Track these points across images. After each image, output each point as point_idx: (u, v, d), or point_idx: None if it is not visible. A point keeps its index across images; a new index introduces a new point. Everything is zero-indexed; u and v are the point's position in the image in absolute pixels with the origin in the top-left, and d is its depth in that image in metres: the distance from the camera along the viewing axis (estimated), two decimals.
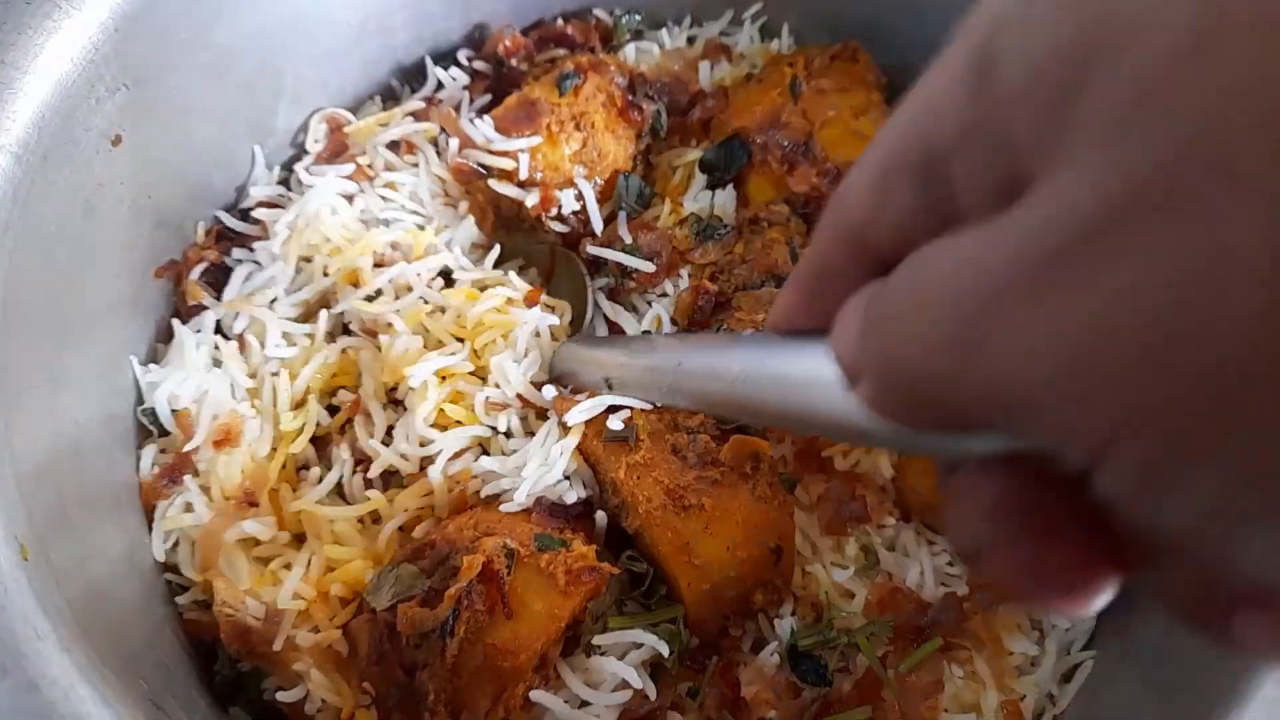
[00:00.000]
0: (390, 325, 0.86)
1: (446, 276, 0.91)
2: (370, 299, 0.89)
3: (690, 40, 1.13)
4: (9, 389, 0.66)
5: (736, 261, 0.91)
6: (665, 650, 0.77)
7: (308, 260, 0.92)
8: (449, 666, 0.72)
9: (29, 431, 0.67)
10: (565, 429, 0.83)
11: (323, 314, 0.91)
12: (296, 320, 0.91)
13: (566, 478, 0.82)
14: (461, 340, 0.87)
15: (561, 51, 1.05)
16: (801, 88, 0.98)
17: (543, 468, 0.81)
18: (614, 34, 1.10)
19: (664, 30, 1.13)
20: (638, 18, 1.11)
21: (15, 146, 0.70)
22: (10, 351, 0.67)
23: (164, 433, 0.86)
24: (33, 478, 0.66)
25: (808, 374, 0.42)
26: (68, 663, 0.55)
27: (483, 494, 0.82)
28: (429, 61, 1.06)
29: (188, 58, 0.86)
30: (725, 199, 0.98)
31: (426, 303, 0.89)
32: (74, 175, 0.76)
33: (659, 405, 0.82)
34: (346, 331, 0.91)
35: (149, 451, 0.84)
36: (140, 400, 0.86)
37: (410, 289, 0.89)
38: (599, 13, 1.12)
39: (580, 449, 0.82)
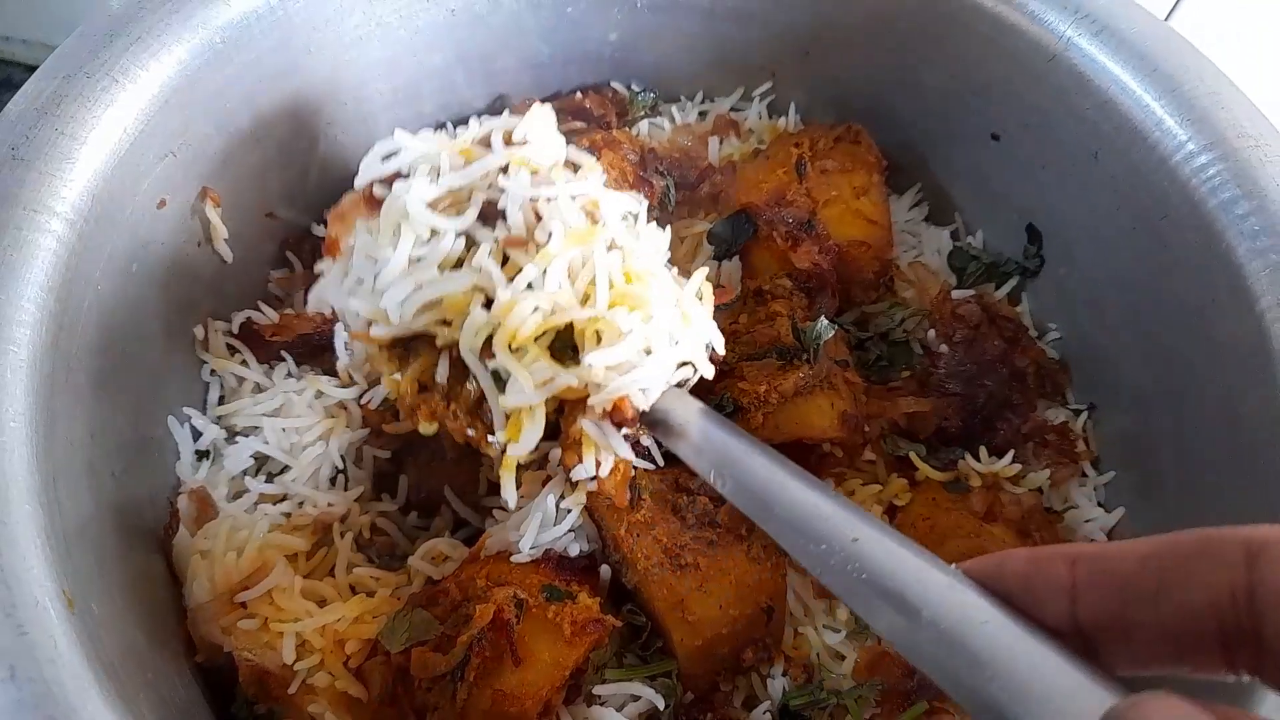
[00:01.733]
0: (547, 235, 0.71)
1: None
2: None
3: (702, 115, 1.19)
4: (55, 444, 0.70)
5: (741, 332, 0.95)
6: (661, 704, 0.81)
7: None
8: (458, 711, 0.76)
9: (71, 485, 0.71)
10: (572, 485, 0.87)
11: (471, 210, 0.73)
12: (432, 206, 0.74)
13: (571, 531, 0.86)
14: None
15: (579, 124, 1.11)
16: (806, 168, 1.03)
17: (544, 522, 0.84)
18: (629, 108, 1.15)
19: (676, 106, 1.18)
20: (652, 94, 1.17)
21: (70, 213, 0.75)
22: (57, 408, 0.71)
23: None
24: (75, 530, 0.69)
25: (1033, 677, 0.40)
26: (112, 717, 0.59)
27: (491, 549, 0.86)
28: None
29: (229, 124, 0.92)
30: (731, 270, 1.03)
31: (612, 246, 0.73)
32: (121, 238, 0.81)
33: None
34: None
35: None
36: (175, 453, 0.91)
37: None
38: (616, 85, 1.18)
39: (586, 505, 0.86)
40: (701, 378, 0.90)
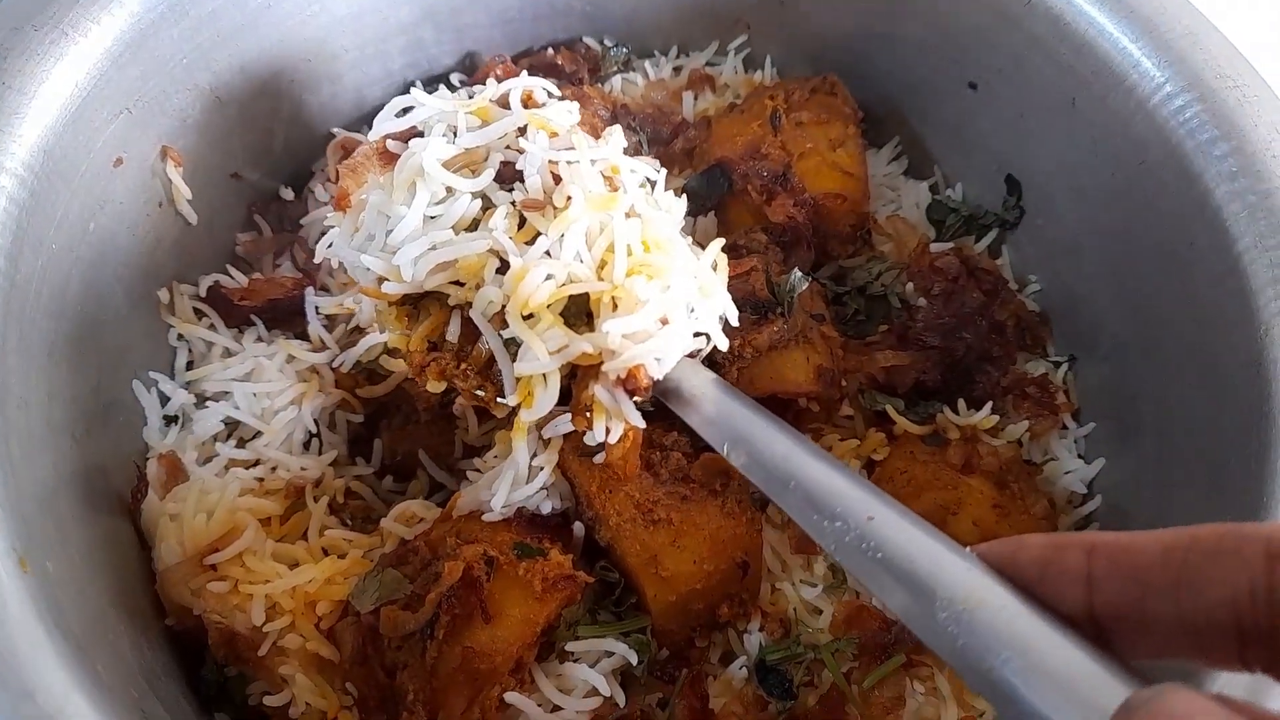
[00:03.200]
0: (565, 198, 0.71)
1: None
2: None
3: (676, 70, 1.16)
4: (8, 404, 0.69)
5: None
6: (634, 659, 0.80)
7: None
8: (428, 668, 0.75)
9: (26, 446, 0.70)
10: (544, 443, 0.86)
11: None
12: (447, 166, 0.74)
13: (544, 489, 0.85)
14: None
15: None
16: (781, 120, 1.02)
17: (516, 480, 0.83)
18: (601, 64, 1.13)
19: (649, 61, 1.16)
20: (625, 50, 1.15)
21: (21, 170, 0.73)
22: (10, 368, 0.70)
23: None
24: (31, 491, 0.68)
25: (1060, 662, 0.40)
26: (63, 674, 0.58)
27: (463, 509, 0.85)
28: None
29: (187, 81, 0.90)
30: (706, 225, 1.02)
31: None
32: (75, 197, 0.79)
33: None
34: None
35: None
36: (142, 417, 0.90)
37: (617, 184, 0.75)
38: (589, 41, 1.16)
39: (558, 463, 0.85)
40: None
